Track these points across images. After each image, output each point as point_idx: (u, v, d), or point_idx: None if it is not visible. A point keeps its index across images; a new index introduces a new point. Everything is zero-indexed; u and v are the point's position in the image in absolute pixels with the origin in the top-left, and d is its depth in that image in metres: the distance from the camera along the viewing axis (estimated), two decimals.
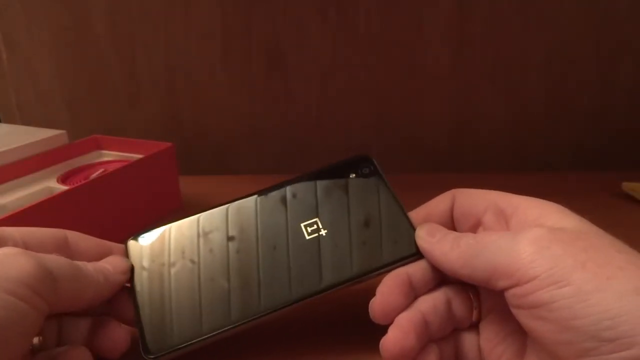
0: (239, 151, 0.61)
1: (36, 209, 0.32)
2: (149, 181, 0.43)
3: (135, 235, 0.29)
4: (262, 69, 0.57)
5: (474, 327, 0.25)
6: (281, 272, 0.27)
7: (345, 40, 0.55)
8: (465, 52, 0.55)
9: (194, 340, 0.25)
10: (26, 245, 0.24)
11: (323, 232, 0.28)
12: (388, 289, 0.24)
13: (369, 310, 0.24)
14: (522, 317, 0.20)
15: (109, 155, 0.48)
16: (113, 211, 0.39)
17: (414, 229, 0.27)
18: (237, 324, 0.25)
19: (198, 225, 0.29)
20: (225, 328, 0.25)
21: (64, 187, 0.40)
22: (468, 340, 0.25)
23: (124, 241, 0.29)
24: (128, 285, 0.27)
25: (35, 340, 0.23)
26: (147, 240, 0.29)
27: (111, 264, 0.26)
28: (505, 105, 0.57)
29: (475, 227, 0.26)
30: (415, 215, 0.28)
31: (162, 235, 0.29)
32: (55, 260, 0.22)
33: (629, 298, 0.17)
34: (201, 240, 0.28)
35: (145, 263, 0.28)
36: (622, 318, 0.17)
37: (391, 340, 0.23)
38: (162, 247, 0.28)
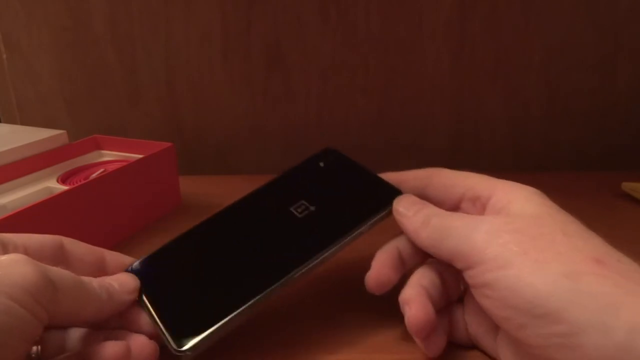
0: (239, 151, 0.61)
1: (36, 209, 0.32)
2: (149, 181, 0.43)
3: (137, 262, 0.29)
4: (262, 68, 0.57)
5: (462, 300, 0.28)
6: (285, 248, 0.28)
7: (345, 40, 0.55)
8: (465, 52, 0.55)
9: (220, 324, 0.25)
10: (27, 251, 0.24)
11: (312, 208, 0.30)
12: (381, 263, 0.27)
13: (365, 283, 0.27)
14: (476, 295, 0.23)
15: (109, 155, 0.48)
16: (113, 211, 0.39)
17: (391, 186, 0.30)
18: (258, 297, 0.26)
19: (197, 240, 0.30)
20: (249, 303, 0.26)
21: (64, 187, 0.40)
22: (457, 312, 0.27)
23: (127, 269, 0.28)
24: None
25: (34, 349, 0.23)
26: (150, 263, 0.29)
27: (118, 282, 0.26)
28: (505, 105, 0.57)
29: (453, 209, 0.28)
30: (387, 177, 0.31)
31: (163, 257, 0.29)
32: (58, 272, 0.22)
33: (559, 281, 0.20)
34: (204, 251, 0.29)
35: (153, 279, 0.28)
36: (551, 298, 0.20)
37: (414, 314, 0.25)
38: (166, 264, 0.29)
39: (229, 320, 0.25)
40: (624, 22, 0.53)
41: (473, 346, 0.27)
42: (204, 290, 0.27)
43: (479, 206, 0.27)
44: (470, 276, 0.23)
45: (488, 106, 0.57)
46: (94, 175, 0.43)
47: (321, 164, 0.33)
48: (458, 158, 0.59)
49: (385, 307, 0.30)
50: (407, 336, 0.28)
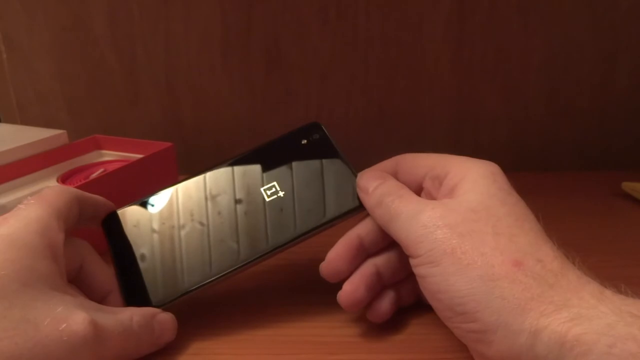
0: (239, 151, 0.61)
1: None
2: (149, 181, 0.43)
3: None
4: (262, 68, 0.57)
5: None
6: (250, 229, 0.30)
7: (345, 40, 0.55)
8: (465, 52, 0.55)
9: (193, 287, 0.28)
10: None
11: (281, 194, 0.31)
12: (335, 254, 0.28)
13: (320, 271, 0.29)
14: (418, 280, 0.25)
15: (109, 155, 0.48)
16: None
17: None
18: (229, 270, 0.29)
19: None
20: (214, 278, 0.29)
21: None
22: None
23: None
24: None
25: None
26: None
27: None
28: (505, 105, 0.57)
29: (418, 192, 0.30)
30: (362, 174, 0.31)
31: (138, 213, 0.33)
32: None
33: (476, 283, 0.22)
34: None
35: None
36: (468, 298, 0.22)
37: (344, 293, 0.28)
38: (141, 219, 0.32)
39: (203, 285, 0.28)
40: (624, 22, 0.53)
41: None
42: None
43: (437, 184, 0.28)
44: (411, 264, 0.25)
45: (488, 106, 0.57)
46: (94, 175, 0.43)
47: (304, 142, 0.33)
48: None
49: None
50: (407, 336, 0.28)
